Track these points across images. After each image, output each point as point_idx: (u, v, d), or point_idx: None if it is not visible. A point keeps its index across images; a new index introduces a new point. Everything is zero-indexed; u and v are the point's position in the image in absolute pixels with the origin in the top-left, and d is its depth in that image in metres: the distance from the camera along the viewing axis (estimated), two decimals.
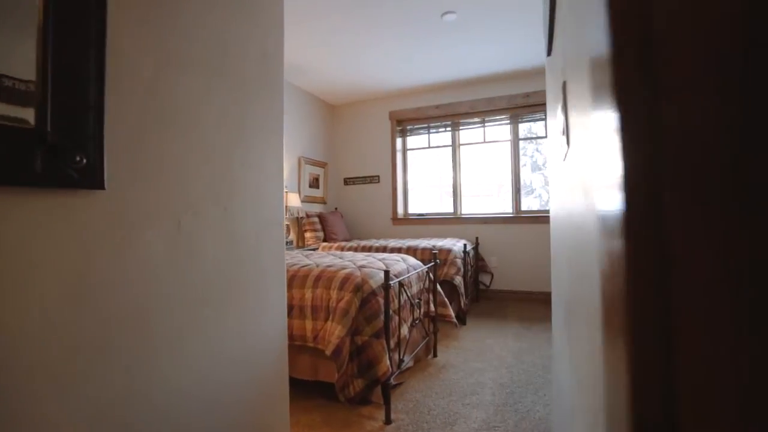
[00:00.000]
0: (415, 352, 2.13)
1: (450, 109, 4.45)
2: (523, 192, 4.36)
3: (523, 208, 4.32)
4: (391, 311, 1.71)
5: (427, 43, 3.36)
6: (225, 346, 1.05)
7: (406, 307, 1.98)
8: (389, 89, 4.51)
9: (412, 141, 4.88)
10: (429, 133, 4.71)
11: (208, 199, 1.02)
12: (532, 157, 4.51)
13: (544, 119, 4.17)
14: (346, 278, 1.76)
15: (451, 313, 2.58)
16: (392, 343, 1.72)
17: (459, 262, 3.29)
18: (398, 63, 3.78)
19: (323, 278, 1.81)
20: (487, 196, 4.64)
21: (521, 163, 4.34)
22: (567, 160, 0.61)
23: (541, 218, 4.08)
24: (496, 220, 4.27)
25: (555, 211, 1.06)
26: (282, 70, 1.33)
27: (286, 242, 3.83)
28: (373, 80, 4.23)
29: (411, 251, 3.44)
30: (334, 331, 1.58)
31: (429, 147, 4.74)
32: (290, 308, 1.78)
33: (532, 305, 3.90)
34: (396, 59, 3.69)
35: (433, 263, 2.44)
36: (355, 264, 2.01)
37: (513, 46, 3.44)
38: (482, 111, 4.34)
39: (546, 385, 2.06)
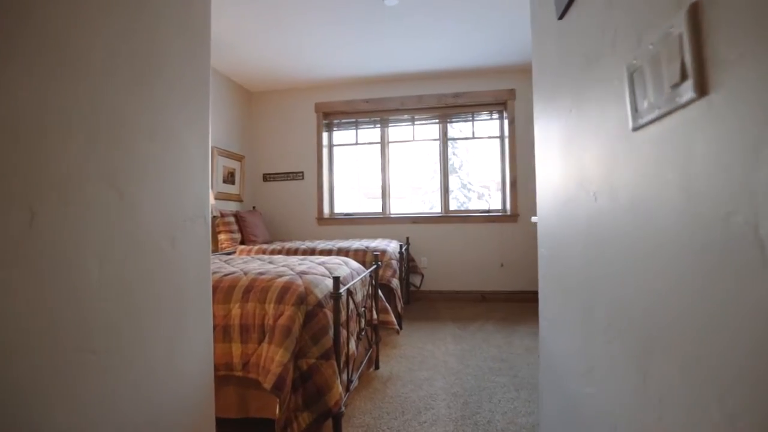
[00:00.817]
0: (361, 368, 1.88)
1: (380, 105, 4.28)
2: (441, 193, 4.38)
3: (437, 209, 4.34)
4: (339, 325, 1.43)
5: (363, 29, 3.13)
6: (118, 408, 0.69)
7: (352, 317, 1.72)
8: (316, 78, 4.18)
9: (339, 136, 4.61)
10: (357, 128, 4.48)
11: (90, 179, 0.65)
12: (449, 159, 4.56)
13: (471, 120, 4.24)
14: (286, 288, 1.43)
15: (393, 319, 2.39)
16: (341, 363, 1.45)
17: (395, 263, 3.12)
18: (329, 49, 3.48)
19: (255, 289, 1.46)
20: (416, 196, 4.59)
21: (450, 163, 4.36)
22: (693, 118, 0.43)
23: (469, 218, 4.13)
24: (425, 219, 4.21)
25: (587, 204, 0.89)
26: (209, 7, 0.99)
27: None
28: (299, 66, 3.86)
29: (342, 253, 3.18)
30: (274, 357, 1.26)
31: (357, 143, 4.52)
32: None
33: (463, 305, 3.91)
34: (327, 44, 3.39)
35: (375, 266, 2.22)
36: (293, 270, 1.69)
37: (449, 44, 3.39)
38: (412, 108, 4.26)
39: (497, 389, 1.97)
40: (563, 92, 0.89)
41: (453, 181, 4.45)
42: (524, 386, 2.01)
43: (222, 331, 1.39)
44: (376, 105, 4.29)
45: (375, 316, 2.20)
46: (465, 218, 4.14)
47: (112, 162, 0.67)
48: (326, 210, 4.48)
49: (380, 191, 4.44)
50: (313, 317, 1.39)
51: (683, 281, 0.46)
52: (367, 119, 4.42)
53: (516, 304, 3.90)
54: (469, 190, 4.64)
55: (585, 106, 0.77)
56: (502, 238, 4.07)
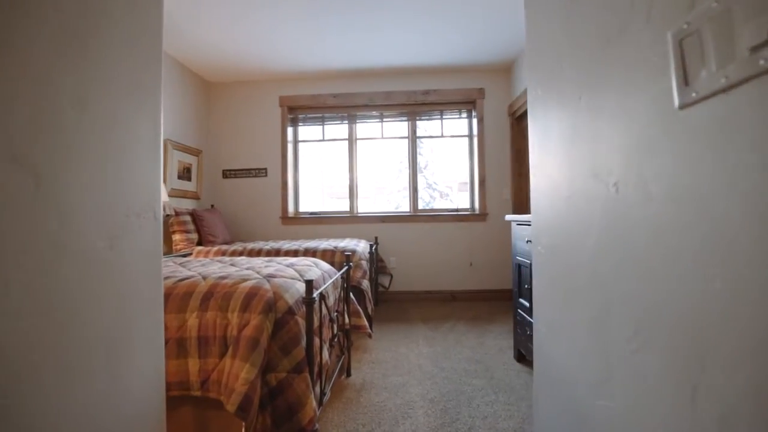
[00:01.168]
0: (334, 378, 1.74)
1: (348, 100, 4.14)
2: (407, 191, 4.31)
3: (404, 208, 4.28)
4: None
5: (332, 20, 2.98)
6: None
7: (325, 323, 1.59)
8: (281, 70, 3.97)
9: (305, 132, 4.42)
10: (324, 124, 4.32)
11: None
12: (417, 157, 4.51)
13: (440, 118, 4.20)
14: (252, 294, 1.28)
15: (366, 322, 2.27)
16: (314, 374, 1.31)
17: (365, 264, 3.00)
18: (295, 40, 3.30)
19: (216, 296, 1.29)
20: (381, 195, 4.49)
21: (418, 161, 4.30)
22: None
23: (438, 217, 4.09)
24: (394, 219, 4.13)
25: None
26: None
27: None
28: (263, 57, 3.64)
29: (310, 253, 3.01)
30: (239, 373, 1.10)
31: (324, 140, 4.35)
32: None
33: (432, 305, 3.86)
34: (293, 35, 3.20)
35: (346, 267, 2.09)
36: (258, 273, 1.52)
37: (420, 39, 3.32)
38: (381, 105, 4.16)
39: (475, 392, 1.91)
40: (569, 78, 0.82)
41: (419, 181, 4.39)
42: (502, 389, 1.96)
43: (176, 345, 1.21)
44: (343, 100, 4.14)
45: (347, 320, 2.07)
46: (434, 217, 4.10)
47: (20, 134, 0.51)
48: (291, 208, 4.27)
49: (348, 189, 4.30)
50: (284, 326, 1.25)
51: (753, 284, 0.38)
52: (335, 115, 4.27)
53: (486, 302, 3.90)
54: (433, 189, 4.60)
55: (601, 89, 0.69)
56: (471, 237, 4.06)
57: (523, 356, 2.33)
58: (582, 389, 0.78)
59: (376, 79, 4.13)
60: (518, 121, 3.90)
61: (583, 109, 0.75)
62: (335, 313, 1.74)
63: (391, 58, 3.74)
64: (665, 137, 0.52)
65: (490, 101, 4.05)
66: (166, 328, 1.23)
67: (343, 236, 4.12)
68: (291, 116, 4.28)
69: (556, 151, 0.88)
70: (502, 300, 3.98)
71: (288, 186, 4.20)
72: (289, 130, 4.27)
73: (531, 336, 2.04)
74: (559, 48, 0.85)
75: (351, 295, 2.25)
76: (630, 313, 0.61)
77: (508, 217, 2.41)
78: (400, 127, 4.32)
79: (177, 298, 1.28)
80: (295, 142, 4.38)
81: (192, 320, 1.24)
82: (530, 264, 2.06)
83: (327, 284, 1.60)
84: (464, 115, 4.20)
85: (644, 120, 0.57)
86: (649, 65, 0.55)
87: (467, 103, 4.12)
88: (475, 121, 4.11)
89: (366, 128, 4.35)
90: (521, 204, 3.89)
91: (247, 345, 1.14)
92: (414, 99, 4.09)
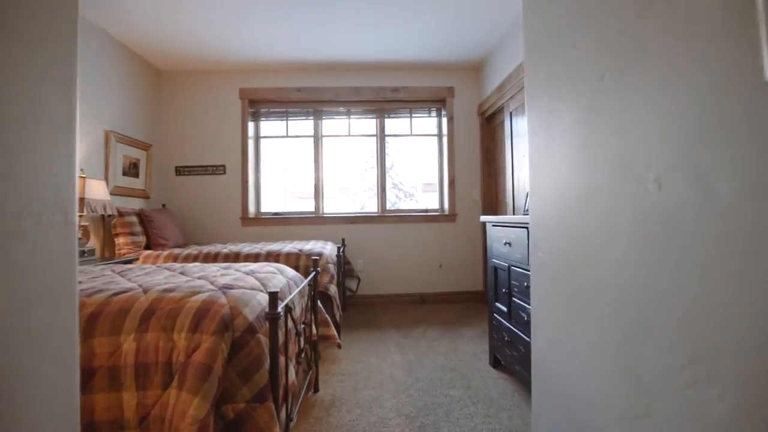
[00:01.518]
0: (301, 398, 1.56)
1: (314, 95, 3.94)
2: (372, 192, 4.19)
3: (370, 209, 4.15)
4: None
5: (298, 10, 2.78)
6: None
7: (291, 337, 1.41)
8: (242, 61, 3.69)
9: (268, 127, 4.16)
10: (288, 119, 4.08)
11: None
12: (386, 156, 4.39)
13: (410, 116, 4.10)
14: (204, 309, 1.08)
15: (335, 332, 2.10)
16: (279, 399, 1.13)
17: (332, 267, 2.82)
18: (258, 28, 3.05)
19: (159, 313, 1.07)
20: (347, 196, 4.32)
21: (387, 161, 4.17)
22: None
23: (407, 218, 3.98)
24: (362, 219, 3.97)
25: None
26: None
27: (83, 252, 2.60)
28: (222, 45, 3.36)
29: (272, 257, 2.79)
30: (186, 409, 0.90)
31: (288, 136, 4.12)
32: (89, 374, 0.99)
33: (402, 308, 3.74)
34: (256, 23, 2.96)
35: (314, 273, 1.91)
36: (213, 283, 1.31)
37: (392, 33, 3.18)
38: (348, 101, 3.99)
39: (453, 404, 1.80)
40: (584, 56, 0.70)
41: (386, 180, 4.25)
42: (480, 399, 1.86)
43: (107, 376, 0.99)
44: (309, 95, 3.93)
45: (315, 331, 1.89)
46: (402, 218, 3.98)
47: None
48: (252, 209, 4.00)
49: (313, 189, 4.10)
50: (243, 347, 1.06)
51: None
52: (299, 110, 4.04)
53: (456, 305, 3.83)
54: (399, 189, 4.48)
55: (634, 66, 0.58)
56: (441, 238, 3.99)
57: (499, 362, 2.25)
58: (603, 419, 0.67)
59: (344, 73, 3.96)
60: (488, 121, 3.87)
61: (606, 91, 0.64)
62: (302, 325, 1.57)
63: (360, 52, 3.58)
64: (744, 119, 0.41)
65: (460, 100, 4.00)
66: (94, 355, 1.00)
67: (308, 238, 3.91)
68: (252, 110, 4.01)
69: (566, 142, 0.77)
70: (472, 302, 3.93)
71: (249, 185, 3.93)
72: (250, 125, 4.00)
73: (509, 342, 1.96)
74: (569, 22, 0.74)
75: (319, 302, 2.08)
76: (680, 338, 0.50)
77: (483, 218, 2.33)
78: (368, 124, 4.17)
79: (109, 317, 1.06)
80: (257, 137, 4.11)
81: (128, 344, 1.02)
82: (508, 267, 1.98)
83: (293, 294, 1.42)
84: (434, 113, 4.12)
85: (707, 100, 0.45)
86: (719, 29, 0.43)
87: (437, 101, 4.04)
88: (444, 120, 4.04)
89: (333, 125, 4.16)
90: (491, 205, 3.86)
91: (196, 373, 0.95)
92: (383, 96, 3.95)
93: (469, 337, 2.83)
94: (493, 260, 2.20)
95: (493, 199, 3.83)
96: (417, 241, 3.97)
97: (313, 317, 1.90)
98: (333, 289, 2.67)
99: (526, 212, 2.14)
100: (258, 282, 1.42)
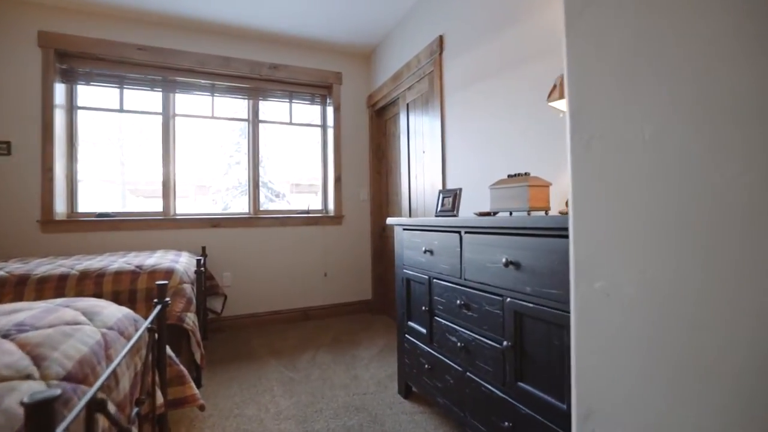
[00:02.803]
0: None
1: (165, 58, 2.99)
2: (238, 191, 3.48)
3: (237, 209, 3.45)
4: None
5: None
6: None
7: None
8: None
9: (89, 95, 3.00)
10: (123, 87, 3.01)
11: None
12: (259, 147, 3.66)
13: (289, 101, 3.50)
14: None
15: (194, 389, 1.43)
16: None
17: (189, 289, 2.06)
18: None
19: None
20: (205, 195, 3.47)
21: (261, 158, 3.48)
22: None
23: (286, 220, 3.37)
24: (228, 222, 3.20)
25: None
26: None
27: None
28: None
29: (91, 280, 1.88)
30: None
31: (121, 110, 3.04)
32: None
33: (282, 329, 3.12)
34: None
35: (159, 307, 1.22)
36: None
37: None
38: (214, 73, 3.17)
39: None
40: None
41: (260, 175, 3.53)
42: None
43: None
44: (157, 57, 2.97)
45: (160, 399, 1.21)
46: (279, 220, 3.36)
47: None
48: (60, 207, 2.81)
49: (161, 184, 3.13)
50: None
51: None
52: (142, 76, 3.02)
53: (344, 317, 3.40)
54: (268, 189, 3.75)
55: None
56: (325, 243, 3.51)
57: (410, 390, 1.91)
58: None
59: (210, 36, 3.12)
60: (378, 114, 3.56)
61: None
62: (134, 410, 0.90)
63: (234, 13, 2.84)
64: None
65: (348, 88, 3.59)
66: None
67: (154, 248, 2.95)
68: (63, 66, 2.82)
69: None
70: (360, 312, 3.56)
71: (55, 172, 2.74)
72: (59, 88, 2.80)
73: (430, 370, 1.62)
74: None
75: (169, 350, 1.37)
76: None
77: (391, 220, 1.96)
78: (239, 105, 3.41)
79: None
80: (72, 108, 2.93)
81: None
82: (429, 280, 1.64)
83: (110, 368, 0.76)
84: (318, 100, 3.61)
85: None
86: None
87: (322, 86, 3.55)
88: (330, 109, 3.58)
89: (190, 102, 3.26)
90: (380, 206, 3.56)
91: None
92: (259, 72, 3.26)
93: (367, 359, 2.42)
94: (406, 270, 1.84)
95: (383, 200, 3.53)
96: (298, 248, 3.40)
97: (157, 376, 1.21)
98: (190, 320, 1.93)
99: (442, 213, 1.84)
100: (34, 354, 0.72)
